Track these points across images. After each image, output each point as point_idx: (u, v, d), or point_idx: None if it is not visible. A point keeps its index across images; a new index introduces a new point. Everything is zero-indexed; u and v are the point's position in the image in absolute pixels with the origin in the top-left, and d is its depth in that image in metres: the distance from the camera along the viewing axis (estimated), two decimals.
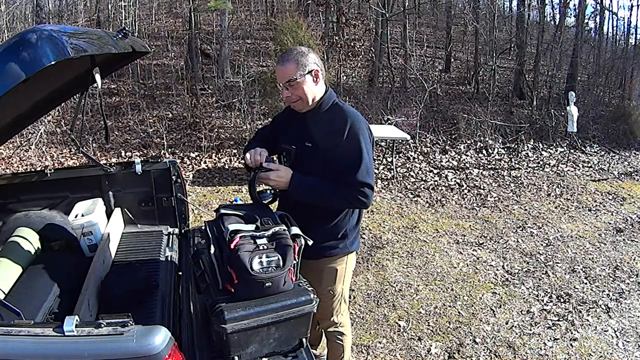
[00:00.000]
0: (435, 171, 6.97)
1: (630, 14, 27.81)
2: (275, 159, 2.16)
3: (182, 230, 3.25)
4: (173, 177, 3.16)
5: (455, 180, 6.60)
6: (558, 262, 4.37)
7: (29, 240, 2.47)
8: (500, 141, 8.19)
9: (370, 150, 2.06)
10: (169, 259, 2.80)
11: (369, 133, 2.09)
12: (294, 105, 2.12)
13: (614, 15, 14.83)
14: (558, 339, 3.28)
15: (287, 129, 2.23)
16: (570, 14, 12.22)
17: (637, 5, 15.86)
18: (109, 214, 3.04)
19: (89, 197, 3.05)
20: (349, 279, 2.39)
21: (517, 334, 3.33)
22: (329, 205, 2.12)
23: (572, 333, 3.34)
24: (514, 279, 4.06)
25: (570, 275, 4.14)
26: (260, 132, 2.44)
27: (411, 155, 7.54)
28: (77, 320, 1.44)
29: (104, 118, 2.94)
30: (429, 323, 3.44)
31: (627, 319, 3.52)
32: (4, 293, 2.03)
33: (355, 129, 2.02)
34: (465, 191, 6.24)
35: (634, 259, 4.45)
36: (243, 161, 2.17)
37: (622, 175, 7.06)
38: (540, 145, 8.29)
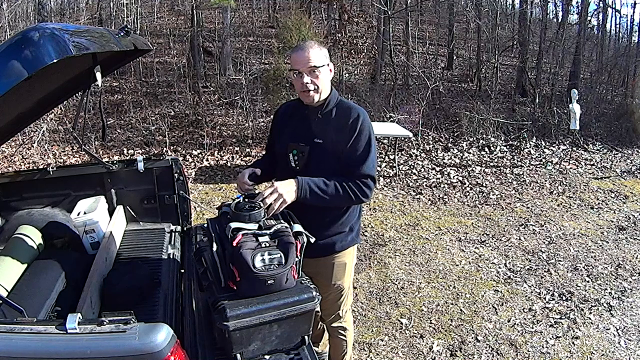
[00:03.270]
0: (437, 169, 6.96)
1: (634, 12, 27.70)
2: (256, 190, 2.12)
3: (185, 228, 3.25)
4: (175, 174, 3.16)
5: (457, 178, 6.59)
6: (560, 260, 4.36)
7: (32, 238, 2.47)
8: (502, 139, 8.17)
9: (375, 144, 2.12)
10: (171, 256, 2.80)
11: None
12: (307, 96, 2.07)
13: (616, 13, 14.78)
14: (560, 337, 3.27)
15: (290, 125, 2.22)
16: (573, 11, 12.15)
17: None
18: (111, 212, 3.04)
19: (92, 194, 3.05)
20: (353, 272, 2.44)
21: (519, 331, 3.33)
22: (336, 204, 2.13)
23: (574, 331, 3.33)
24: (516, 277, 4.06)
25: (573, 273, 4.14)
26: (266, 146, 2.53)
27: (413, 153, 7.53)
28: (79, 318, 1.45)
29: (102, 116, 2.94)
30: (431, 321, 3.44)
31: (629, 317, 3.51)
32: (7, 291, 2.04)
33: (365, 124, 2.08)
34: (468, 189, 6.23)
35: (637, 257, 4.43)
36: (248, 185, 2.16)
37: (625, 173, 7.03)
38: (543, 142, 8.27)
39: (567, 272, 4.16)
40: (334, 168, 2.07)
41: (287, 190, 1.95)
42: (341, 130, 2.07)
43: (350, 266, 2.34)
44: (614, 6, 14.06)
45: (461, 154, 7.62)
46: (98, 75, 2.39)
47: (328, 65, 2.09)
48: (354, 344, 3.15)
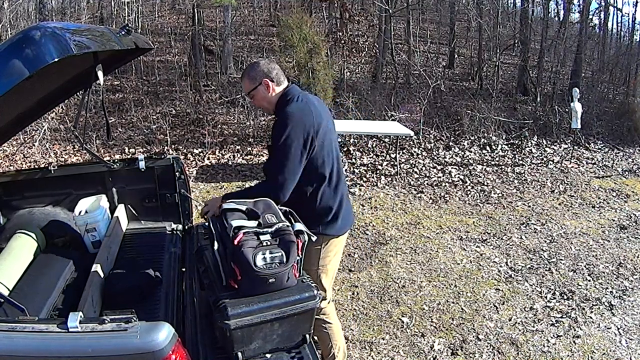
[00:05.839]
0: (438, 167, 6.95)
1: (635, 10, 27.57)
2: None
3: (186, 227, 3.25)
4: (176, 173, 3.16)
5: (458, 177, 6.58)
6: (561, 259, 4.36)
7: (33, 237, 2.48)
8: (503, 137, 8.15)
9: (291, 146, 2.12)
10: (173, 255, 2.80)
11: (303, 130, 2.15)
12: (263, 110, 2.37)
13: (618, 12, 14.73)
14: (561, 336, 3.27)
15: None
16: (575, 10, 12.11)
17: None
18: (112, 211, 3.04)
19: (93, 193, 3.05)
20: (325, 263, 2.40)
21: (520, 330, 3.33)
22: None
23: (575, 330, 3.33)
24: (517, 276, 4.06)
25: (574, 272, 4.13)
26: None
27: (415, 152, 7.53)
28: (81, 317, 1.45)
29: (105, 115, 2.94)
30: (432, 319, 3.44)
31: (630, 316, 3.51)
32: (9, 289, 2.04)
33: (279, 127, 2.15)
34: (469, 187, 6.23)
35: (638, 256, 4.43)
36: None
37: (626, 172, 7.02)
38: (544, 141, 8.25)
39: (569, 271, 4.16)
40: None
41: (212, 203, 2.22)
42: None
43: (313, 255, 2.30)
44: (615, 5, 14.04)
45: (462, 153, 7.61)
46: (100, 74, 2.39)
47: (260, 84, 2.27)
48: (355, 343, 3.16)
